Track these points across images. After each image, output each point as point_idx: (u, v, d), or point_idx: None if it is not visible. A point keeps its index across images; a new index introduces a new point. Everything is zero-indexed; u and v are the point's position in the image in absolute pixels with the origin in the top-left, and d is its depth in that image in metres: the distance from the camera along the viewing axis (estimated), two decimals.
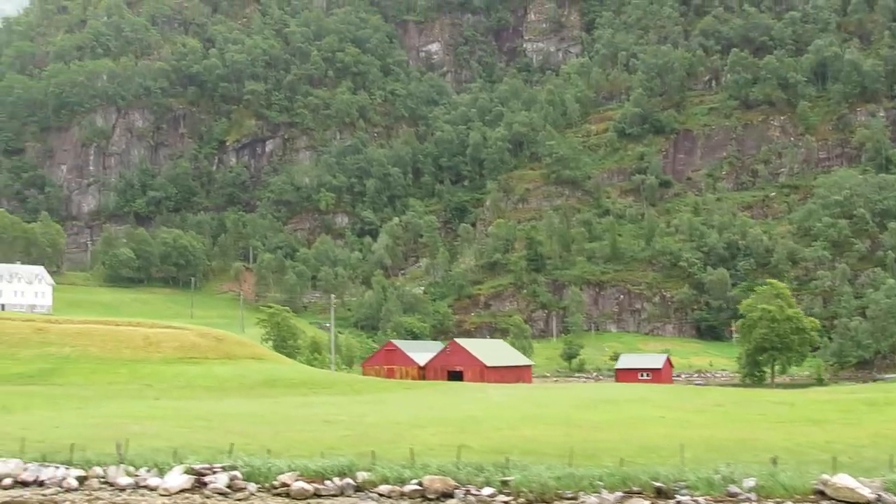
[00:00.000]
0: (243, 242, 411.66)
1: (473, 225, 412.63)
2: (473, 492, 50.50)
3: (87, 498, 51.76)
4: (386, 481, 52.18)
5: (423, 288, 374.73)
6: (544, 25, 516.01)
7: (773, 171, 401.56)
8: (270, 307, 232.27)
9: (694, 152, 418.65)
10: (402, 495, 50.91)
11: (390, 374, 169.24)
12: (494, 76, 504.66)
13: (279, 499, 51.36)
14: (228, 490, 52.18)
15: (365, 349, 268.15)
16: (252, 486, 52.55)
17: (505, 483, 50.78)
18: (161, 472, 54.33)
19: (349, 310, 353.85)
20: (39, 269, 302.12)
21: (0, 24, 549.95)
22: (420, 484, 51.28)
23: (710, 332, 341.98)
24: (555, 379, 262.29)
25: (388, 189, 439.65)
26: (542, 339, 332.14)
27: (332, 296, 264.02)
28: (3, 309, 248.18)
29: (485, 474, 51.94)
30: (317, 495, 51.44)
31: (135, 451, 58.74)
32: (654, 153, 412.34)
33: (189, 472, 53.63)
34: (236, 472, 53.52)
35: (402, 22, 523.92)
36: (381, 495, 51.28)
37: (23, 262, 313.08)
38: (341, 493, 51.86)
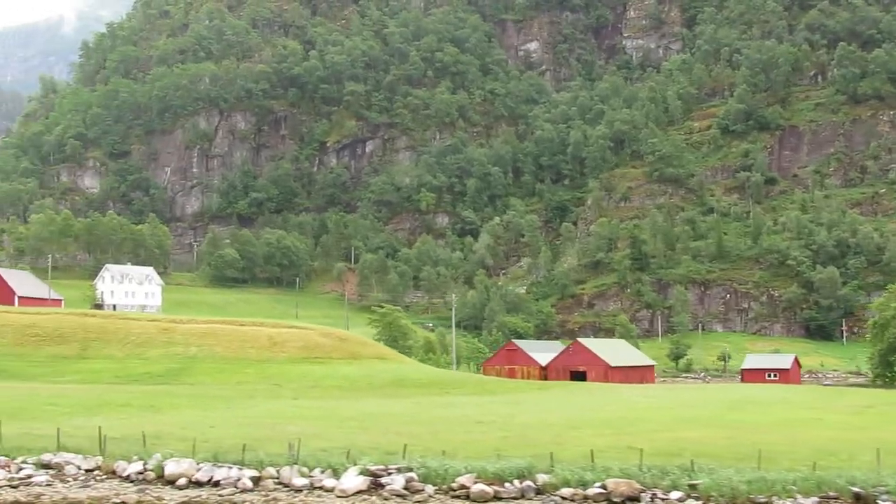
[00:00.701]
0: (345, 243, 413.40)
1: (575, 224, 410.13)
2: (660, 496, 48.82)
3: (265, 499, 51.12)
4: (567, 484, 50.69)
5: (525, 288, 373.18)
6: (644, 22, 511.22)
7: (882, 167, 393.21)
8: (382, 307, 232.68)
9: (800, 149, 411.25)
10: (586, 499, 49.37)
11: (511, 374, 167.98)
12: (594, 74, 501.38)
13: (458, 501, 50.16)
14: (406, 492, 51.18)
15: (471, 349, 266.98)
16: (430, 489, 51.48)
17: (693, 487, 49.05)
18: (336, 474, 53.52)
19: (450, 309, 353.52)
20: (149, 270, 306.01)
21: (104, 30, 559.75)
22: (604, 487, 49.71)
23: (819, 332, 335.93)
24: (662, 379, 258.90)
25: (488, 188, 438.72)
26: (647, 338, 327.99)
27: (454, 296, 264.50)
28: (114, 309, 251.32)
29: (670, 478, 50.23)
30: (496, 498, 50.17)
31: (301, 451, 58.26)
32: (759, 150, 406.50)
33: (364, 473, 52.78)
34: (412, 474, 52.49)
35: (501, 21, 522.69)
36: (563, 499, 49.72)
37: (132, 264, 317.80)
38: (521, 495, 50.52)
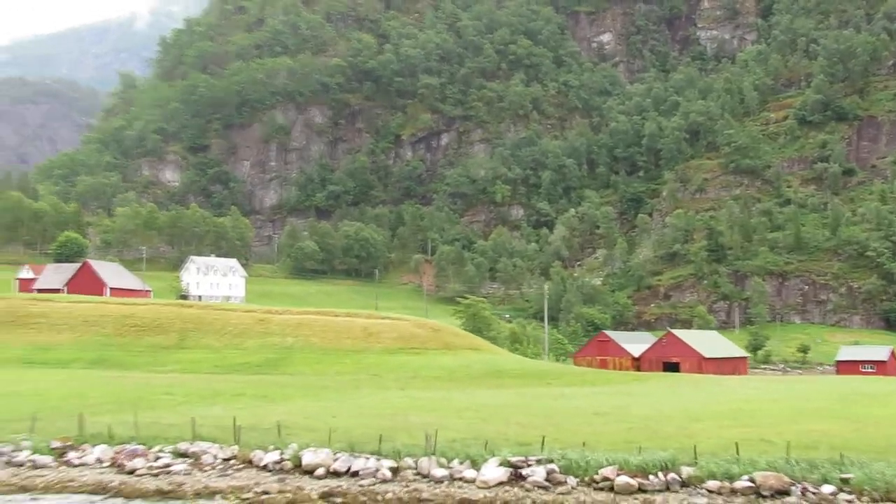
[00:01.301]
0: (421, 235, 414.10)
1: (650, 215, 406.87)
2: (811, 489, 47.68)
3: (406, 490, 50.77)
4: (713, 477, 49.71)
5: (601, 279, 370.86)
6: (718, 13, 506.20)
7: None
8: (465, 298, 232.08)
9: (879, 139, 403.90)
10: (734, 492, 48.36)
11: (603, 365, 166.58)
12: (668, 65, 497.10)
13: (602, 493, 49.38)
14: (548, 483, 50.54)
15: (551, 340, 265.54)
16: (572, 480, 50.72)
17: (845, 481, 47.90)
18: (475, 465, 52.97)
19: (528, 301, 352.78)
20: (233, 262, 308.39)
21: (177, 26, 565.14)
22: (752, 480, 48.63)
23: None
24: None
25: (563, 180, 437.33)
26: (724, 329, 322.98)
27: (546, 286, 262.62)
28: (199, 300, 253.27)
29: (820, 471, 49.13)
30: (641, 490, 49.36)
31: (416, 441, 57.71)
32: (837, 140, 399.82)
33: (504, 464, 52.22)
34: (553, 466, 51.81)
35: (574, 13, 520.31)
36: (709, 492, 48.80)
37: (215, 255, 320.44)
38: (666, 488, 49.63)
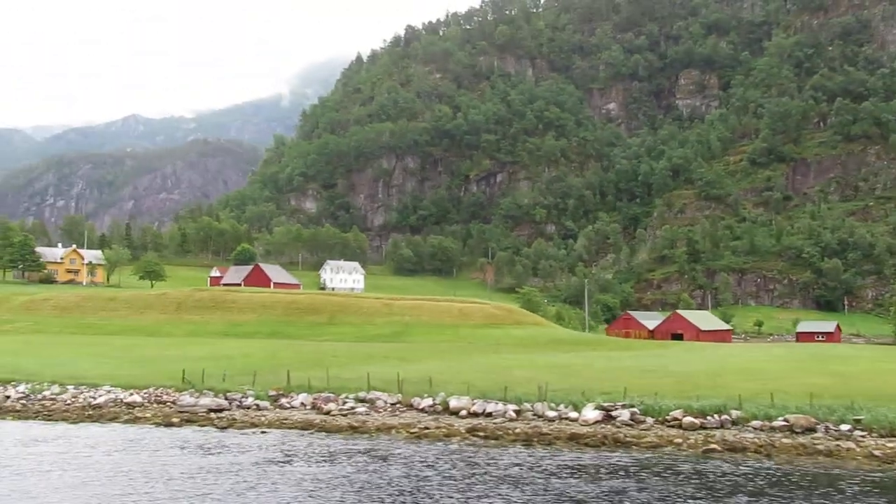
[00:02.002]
0: (484, 245, 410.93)
1: (645, 229, 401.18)
2: (833, 428, 45.31)
3: (528, 426, 49.03)
4: (756, 418, 47.59)
5: (611, 274, 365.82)
6: (691, 87, 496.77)
7: (870, 186, 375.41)
8: (523, 288, 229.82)
9: (808, 174, 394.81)
10: (773, 429, 46.14)
11: (627, 336, 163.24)
12: (656, 124, 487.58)
13: (673, 429, 47.35)
14: (632, 423, 48.60)
15: (579, 317, 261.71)
16: (649, 420, 48.77)
17: (857, 421, 45.40)
18: (576, 408, 51.15)
19: (559, 290, 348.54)
20: (356, 264, 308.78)
21: (312, 103, 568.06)
22: (786, 420, 46.40)
23: (827, 306, 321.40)
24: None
25: (582, 206, 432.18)
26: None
27: (586, 280, 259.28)
28: (333, 290, 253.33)
29: (837, 414, 46.66)
30: (702, 428, 47.27)
31: (528, 390, 55.63)
32: (779, 176, 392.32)
33: (599, 408, 50.30)
34: (634, 409, 49.84)
35: (589, 89, 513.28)
36: (754, 429, 46.67)
37: (343, 260, 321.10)
38: (721, 426, 47.53)
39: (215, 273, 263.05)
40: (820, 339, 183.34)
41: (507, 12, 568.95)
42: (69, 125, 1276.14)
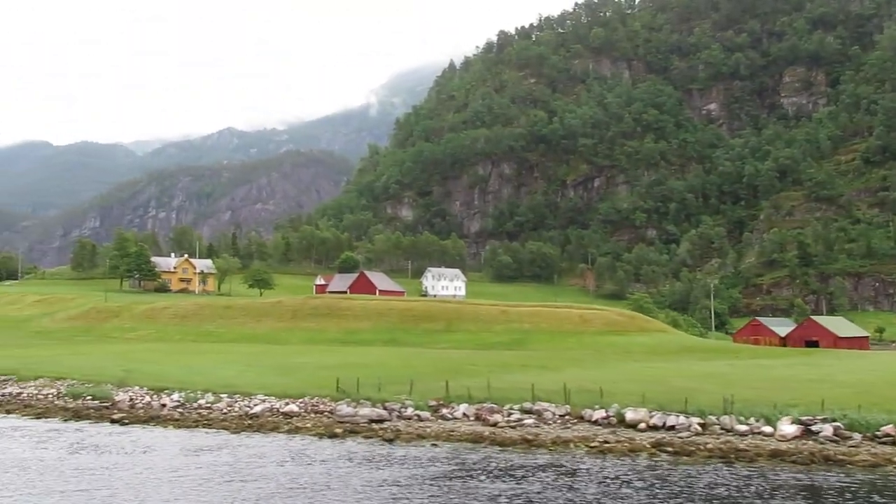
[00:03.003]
0: (582, 250, 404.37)
1: (751, 233, 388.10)
2: None
3: (720, 441, 45.48)
4: None
5: (717, 279, 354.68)
6: (797, 84, 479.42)
7: None
8: (633, 294, 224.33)
9: None
10: None
11: (756, 343, 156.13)
12: (759, 124, 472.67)
13: (886, 447, 43.19)
14: (837, 438, 44.61)
15: (687, 324, 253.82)
16: (857, 436, 44.64)
17: None
18: (769, 422, 47.30)
19: (662, 296, 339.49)
20: (457, 271, 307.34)
21: (402, 111, 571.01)
22: None
23: None
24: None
25: (684, 209, 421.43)
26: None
27: (712, 284, 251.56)
28: (435, 297, 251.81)
29: None
30: None
31: (707, 403, 52.00)
32: (895, 174, 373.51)
33: (796, 422, 46.40)
34: (838, 424, 45.76)
35: (688, 90, 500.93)
36: None
37: (443, 267, 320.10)
38: None
39: (320, 281, 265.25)
40: None
41: (601, 14, 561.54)
42: (167, 139, 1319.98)
